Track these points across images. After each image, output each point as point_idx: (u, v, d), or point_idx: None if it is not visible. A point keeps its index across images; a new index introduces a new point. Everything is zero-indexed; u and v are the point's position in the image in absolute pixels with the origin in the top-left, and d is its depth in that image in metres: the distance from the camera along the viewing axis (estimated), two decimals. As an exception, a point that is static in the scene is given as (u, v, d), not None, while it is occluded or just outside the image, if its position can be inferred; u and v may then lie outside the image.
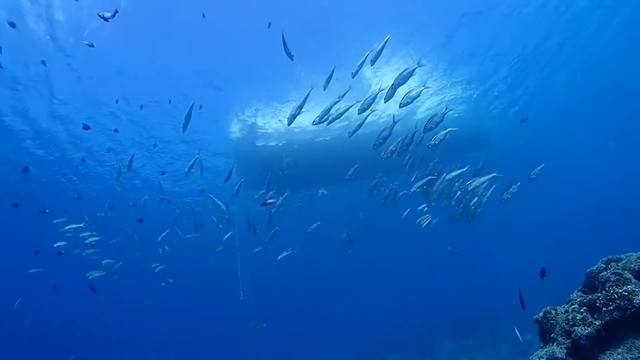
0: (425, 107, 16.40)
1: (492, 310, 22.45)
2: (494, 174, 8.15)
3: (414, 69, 7.29)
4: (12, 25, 9.68)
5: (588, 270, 4.94)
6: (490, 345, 17.34)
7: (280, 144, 16.54)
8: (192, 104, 8.23)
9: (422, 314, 25.08)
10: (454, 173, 8.87)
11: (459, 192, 8.98)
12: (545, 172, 9.08)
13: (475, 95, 16.74)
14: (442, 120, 7.07)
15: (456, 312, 23.38)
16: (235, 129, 16.28)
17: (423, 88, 7.31)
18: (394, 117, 8.36)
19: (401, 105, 7.19)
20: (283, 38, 6.78)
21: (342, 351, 21.49)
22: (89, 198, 20.60)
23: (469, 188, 8.06)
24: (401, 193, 11.16)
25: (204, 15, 9.69)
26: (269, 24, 8.67)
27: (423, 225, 10.43)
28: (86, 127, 12.02)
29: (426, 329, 21.74)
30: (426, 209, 10.57)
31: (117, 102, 13.54)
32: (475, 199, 9.12)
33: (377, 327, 24.16)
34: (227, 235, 11.95)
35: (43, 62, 11.43)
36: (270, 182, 13.04)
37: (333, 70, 7.88)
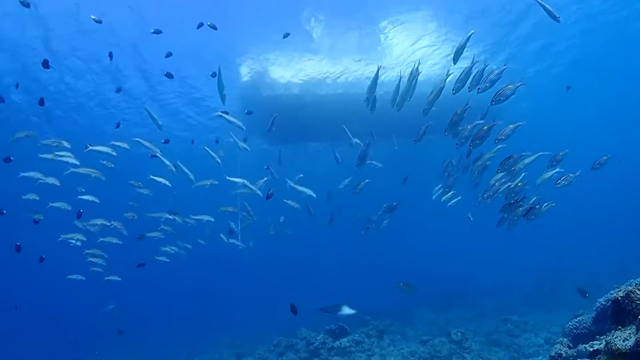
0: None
1: (471, 287, 23.41)
2: (540, 153, 7.35)
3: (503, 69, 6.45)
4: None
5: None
6: (471, 320, 18.08)
7: (293, 93, 15.92)
8: (219, 69, 7.89)
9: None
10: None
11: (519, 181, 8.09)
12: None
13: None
14: (513, 93, 6.14)
15: (436, 286, 24.18)
16: (245, 75, 15.41)
17: (505, 67, 6.40)
18: (467, 101, 6.94)
19: (480, 91, 6.20)
20: None
21: (325, 314, 21.88)
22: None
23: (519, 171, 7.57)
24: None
25: None
26: None
27: (449, 204, 10.30)
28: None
29: (406, 300, 22.37)
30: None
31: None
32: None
33: (359, 294, 24.72)
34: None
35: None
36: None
37: (378, 69, 7.57)
